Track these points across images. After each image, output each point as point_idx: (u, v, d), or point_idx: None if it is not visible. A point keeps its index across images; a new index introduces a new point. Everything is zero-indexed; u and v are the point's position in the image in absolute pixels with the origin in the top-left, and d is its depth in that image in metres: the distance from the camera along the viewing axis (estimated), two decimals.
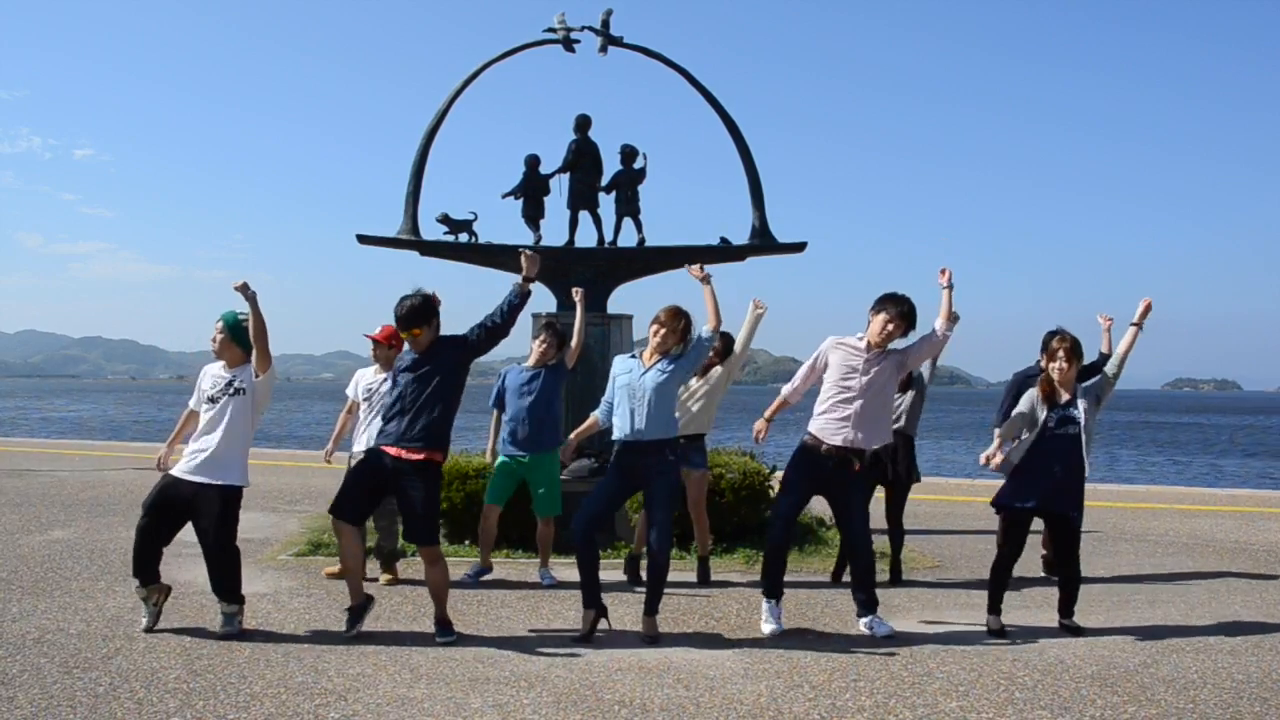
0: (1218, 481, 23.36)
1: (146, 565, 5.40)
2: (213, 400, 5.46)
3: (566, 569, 6.67)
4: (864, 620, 5.64)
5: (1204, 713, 4.39)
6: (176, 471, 5.40)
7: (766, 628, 5.58)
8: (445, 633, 5.35)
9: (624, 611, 6.05)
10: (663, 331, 5.52)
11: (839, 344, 5.69)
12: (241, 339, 5.43)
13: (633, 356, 5.67)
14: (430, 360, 5.39)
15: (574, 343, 7.00)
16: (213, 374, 5.55)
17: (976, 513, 10.69)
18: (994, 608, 5.73)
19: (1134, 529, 9.98)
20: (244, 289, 5.21)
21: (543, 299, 9.54)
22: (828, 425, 5.59)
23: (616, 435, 5.53)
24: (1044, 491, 5.62)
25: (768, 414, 5.90)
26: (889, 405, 5.82)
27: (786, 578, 5.85)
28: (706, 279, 5.79)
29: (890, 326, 5.54)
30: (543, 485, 6.76)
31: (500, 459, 6.83)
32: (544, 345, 6.93)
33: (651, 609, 5.46)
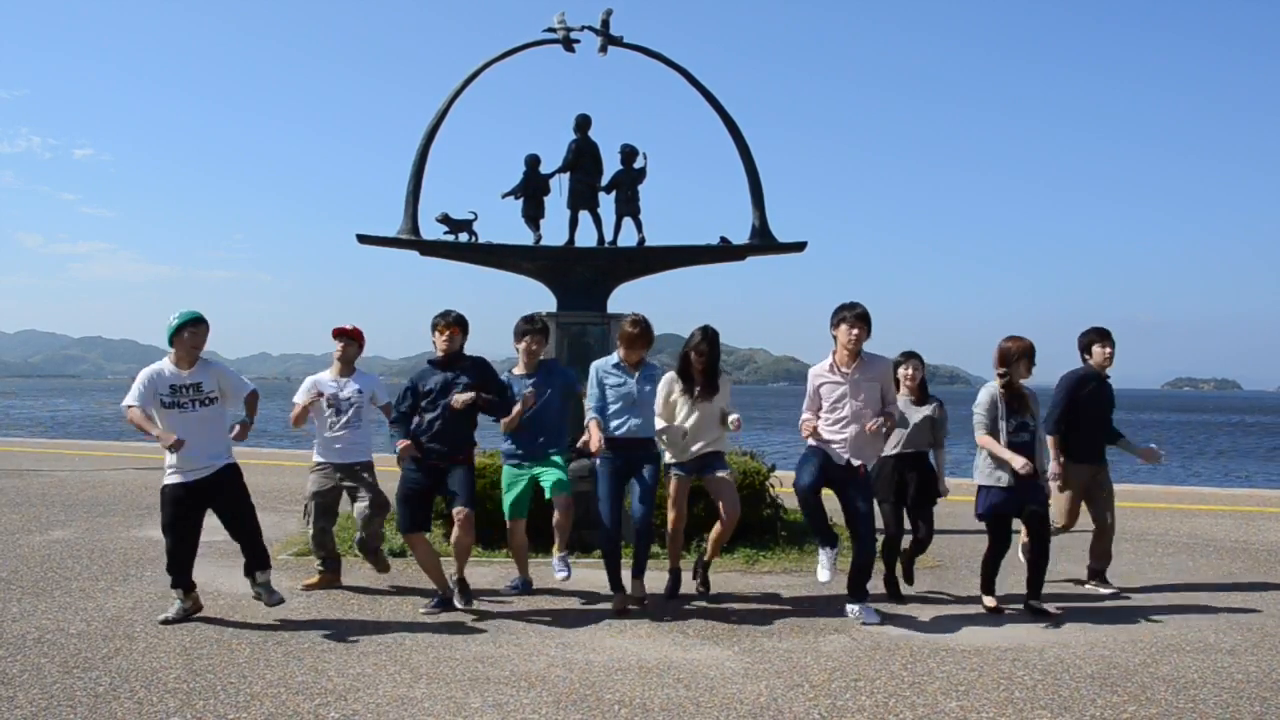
0: (1217, 481, 23.34)
1: (181, 571, 5.69)
2: (180, 406, 5.58)
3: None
4: (853, 607, 5.94)
5: (1204, 713, 4.39)
6: (182, 479, 5.62)
7: (822, 575, 5.98)
8: (466, 597, 6.05)
9: None
10: (635, 339, 6.26)
11: (820, 379, 6.00)
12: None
13: (617, 365, 6.30)
14: (466, 379, 6.07)
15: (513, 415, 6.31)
16: (170, 381, 5.59)
17: None
18: (987, 588, 6.34)
19: (1134, 529, 9.98)
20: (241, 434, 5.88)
21: (543, 298, 9.57)
22: (830, 446, 5.93)
23: (616, 433, 6.18)
24: (1013, 492, 6.11)
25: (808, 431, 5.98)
26: (868, 416, 5.95)
27: (789, 577, 6.80)
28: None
29: (855, 332, 5.83)
30: (551, 472, 6.31)
31: (508, 470, 6.45)
32: (533, 345, 6.40)
33: (639, 572, 6.23)
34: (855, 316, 5.82)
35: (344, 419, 6.62)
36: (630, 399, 6.19)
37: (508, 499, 6.47)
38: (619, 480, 6.15)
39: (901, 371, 6.62)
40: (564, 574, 6.19)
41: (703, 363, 6.32)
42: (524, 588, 6.58)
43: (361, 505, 6.57)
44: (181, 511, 5.64)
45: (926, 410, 6.54)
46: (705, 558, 6.63)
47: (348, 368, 6.75)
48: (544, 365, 6.50)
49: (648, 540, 6.21)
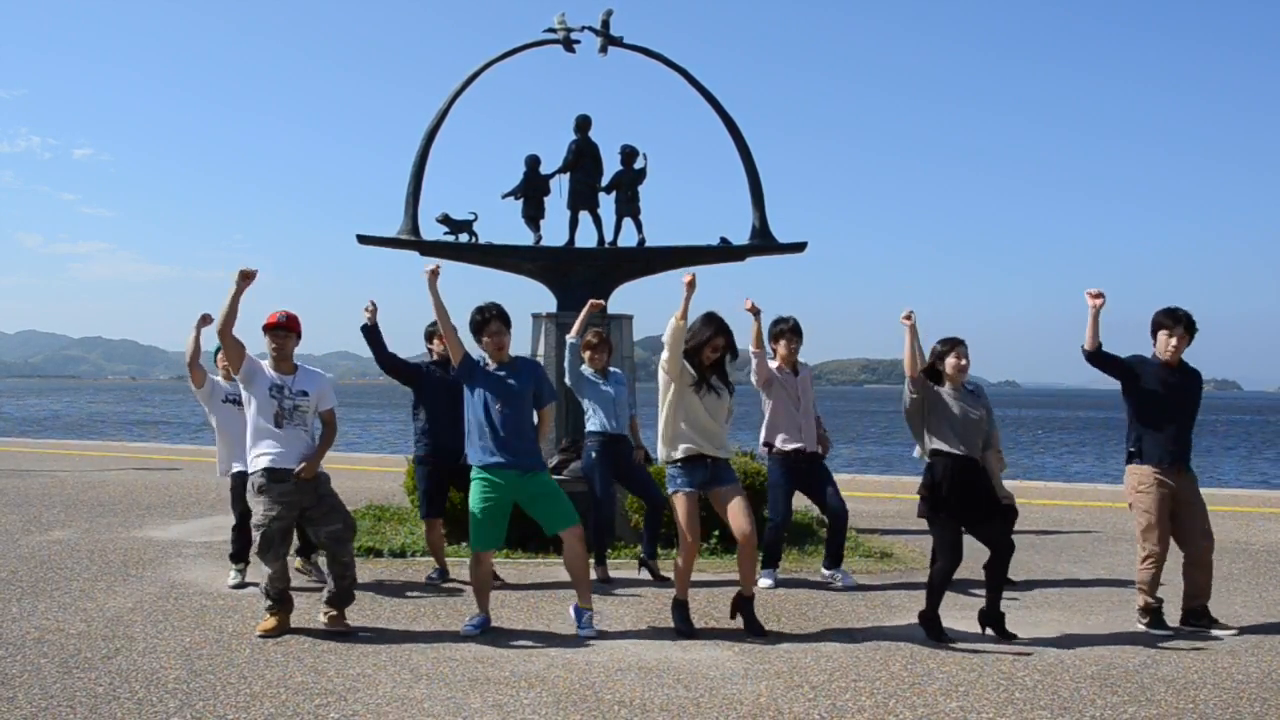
0: (1217, 481, 23.34)
1: (245, 550, 6.57)
2: (234, 403, 6.42)
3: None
4: (830, 571, 6.96)
5: (1204, 713, 4.38)
6: (240, 467, 6.46)
7: (764, 582, 6.73)
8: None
9: (624, 611, 6.06)
10: (597, 355, 7.08)
11: (773, 372, 7.04)
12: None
13: (595, 373, 7.08)
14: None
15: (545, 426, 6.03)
16: (225, 390, 6.66)
17: None
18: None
19: (1134, 529, 9.94)
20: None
21: (543, 298, 9.58)
22: (788, 438, 6.98)
23: (603, 430, 7.00)
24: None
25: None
26: (814, 411, 7.14)
27: (787, 578, 7.09)
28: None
29: (794, 345, 7.11)
30: (546, 498, 5.64)
31: (478, 484, 5.59)
32: (499, 336, 5.68)
33: (652, 553, 6.97)
34: (790, 330, 7.07)
35: (286, 414, 5.47)
36: (609, 398, 7.03)
37: (478, 527, 5.58)
38: (610, 472, 7.03)
39: (949, 361, 5.59)
40: (589, 632, 5.49)
41: (717, 357, 5.61)
42: (482, 624, 5.57)
43: (334, 528, 5.51)
44: (234, 496, 6.64)
45: (979, 408, 5.60)
46: (744, 593, 5.67)
47: (289, 364, 5.58)
48: (515, 359, 5.78)
49: (658, 519, 6.98)
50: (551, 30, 9.32)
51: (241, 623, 5.60)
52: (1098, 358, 5.89)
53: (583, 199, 9.24)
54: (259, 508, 5.41)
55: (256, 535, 5.43)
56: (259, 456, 5.43)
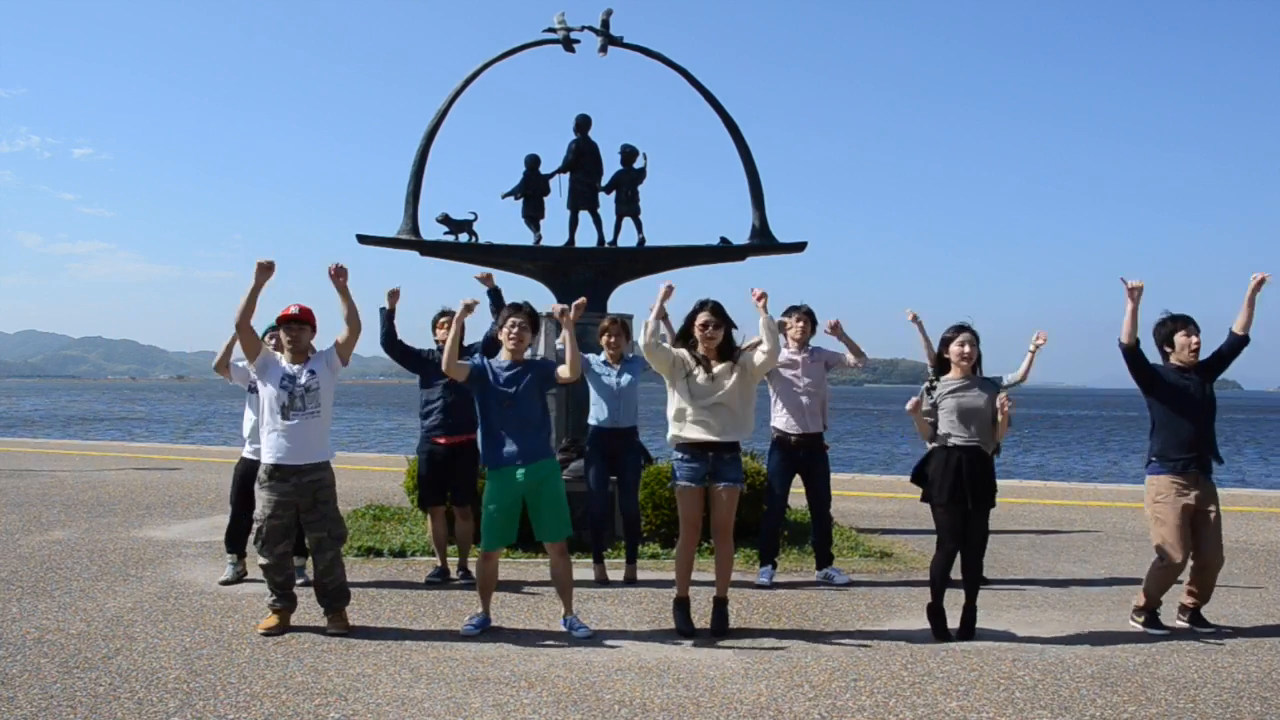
0: (1217, 481, 23.32)
1: (239, 540, 6.68)
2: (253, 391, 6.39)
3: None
4: (823, 571, 7.05)
5: (1204, 713, 4.38)
6: (247, 455, 6.61)
7: (762, 579, 6.89)
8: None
9: (624, 612, 6.06)
10: (613, 339, 7.03)
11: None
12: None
13: (604, 361, 7.03)
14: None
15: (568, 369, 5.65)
16: (252, 375, 6.23)
17: None
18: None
19: (1134, 529, 9.96)
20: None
21: (544, 298, 9.55)
22: (788, 420, 7.02)
23: (599, 423, 7.00)
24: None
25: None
26: (823, 396, 7.10)
27: (788, 578, 7.10)
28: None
29: (802, 325, 7.09)
30: (547, 503, 5.58)
31: (491, 483, 5.59)
32: (518, 330, 5.62)
33: (632, 558, 7.03)
34: (801, 315, 7.10)
35: (297, 405, 5.45)
36: (611, 392, 6.94)
37: (489, 526, 5.57)
38: (605, 467, 7.05)
39: (954, 349, 5.63)
40: (584, 632, 5.51)
41: (713, 342, 5.57)
42: (482, 624, 5.59)
43: (318, 536, 5.50)
44: (236, 485, 6.67)
45: (986, 396, 5.55)
46: (717, 594, 5.67)
47: (303, 355, 5.57)
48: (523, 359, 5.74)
49: (635, 528, 7.11)
50: (551, 30, 9.33)
51: (241, 623, 5.60)
52: (1136, 355, 5.78)
53: (583, 199, 9.25)
54: (261, 501, 5.49)
55: (256, 527, 5.54)
56: (268, 451, 5.49)
